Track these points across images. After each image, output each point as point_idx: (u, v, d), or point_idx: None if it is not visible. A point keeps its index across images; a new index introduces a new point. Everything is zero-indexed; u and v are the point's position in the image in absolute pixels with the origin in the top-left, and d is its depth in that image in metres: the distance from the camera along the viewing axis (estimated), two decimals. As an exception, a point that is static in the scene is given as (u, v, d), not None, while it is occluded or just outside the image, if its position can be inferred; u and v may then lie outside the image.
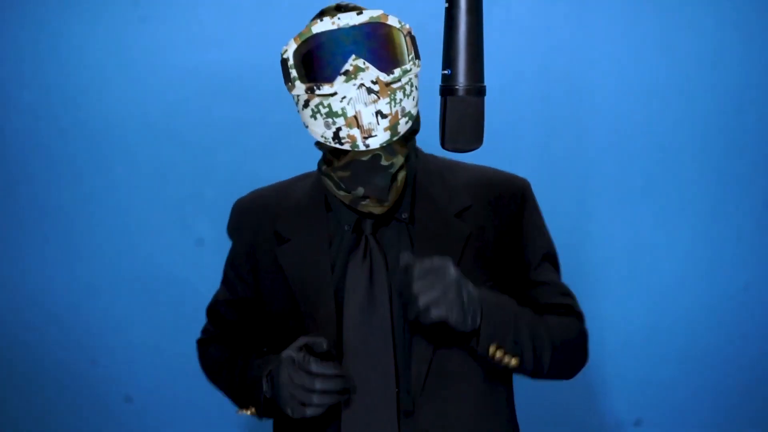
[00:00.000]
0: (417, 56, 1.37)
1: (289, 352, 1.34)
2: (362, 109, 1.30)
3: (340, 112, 1.32)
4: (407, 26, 1.38)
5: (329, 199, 1.47)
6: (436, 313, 1.26)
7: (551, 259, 1.56)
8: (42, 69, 2.53)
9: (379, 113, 1.31)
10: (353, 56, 1.31)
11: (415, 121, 1.40)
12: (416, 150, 1.49)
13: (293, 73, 1.35)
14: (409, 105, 1.34)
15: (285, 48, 1.37)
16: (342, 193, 1.41)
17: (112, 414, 2.67)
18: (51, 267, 2.62)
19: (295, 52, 1.35)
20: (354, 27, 1.33)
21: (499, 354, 1.35)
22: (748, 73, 2.47)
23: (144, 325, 2.61)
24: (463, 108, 1.31)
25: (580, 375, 2.58)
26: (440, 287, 1.26)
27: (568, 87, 2.47)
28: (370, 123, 1.31)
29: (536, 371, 1.45)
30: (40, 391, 2.68)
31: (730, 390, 2.61)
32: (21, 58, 2.53)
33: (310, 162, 1.56)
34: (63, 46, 2.51)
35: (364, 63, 1.31)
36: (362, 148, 1.33)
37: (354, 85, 1.30)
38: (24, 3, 2.50)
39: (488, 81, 1.33)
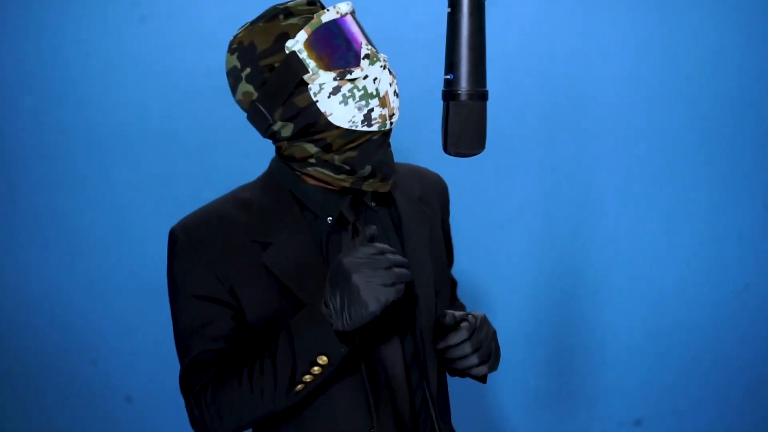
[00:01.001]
0: None
1: (340, 258, 1.30)
2: (387, 88, 1.38)
3: (374, 92, 1.37)
4: None
5: (300, 196, 1.46)
6: (482, 371, 1.44)
7: None
8: (42, 69, 2.52)
9: (395, 92, 1.40)
10: (364, 40, 1.39)
11: None
12: None
13: (310, 64, 1.36)
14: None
15: (291, 42, 1.37)
16: (342, 176, 1.42)
17: (112, 414, 2.67)
18: (51, 267, 2.62)
19: (308, 43, 1.36)
20: (352, 14, 1.41)
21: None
22: (748, 76, 2.47)
23: (144, 326, 2.61)
24: (465, 113, 1.31)
25: (581, 375, 2.61)
26: (487, 348, 1.44)
27: (569, 91, 2.47)
28: (393, 102, 1.39)
29: None
30: (40, 391, 2.68)
31: (730, 390, 2.62)
32: (20, 58, 2.52)
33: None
34: (63, 46, 2.51)
35: (373, 46, 1.39)
36: (389, 126, 1.40)
37: (380, 66, 1.37)
38: (24, 3, 2.49)
39: (490, 85, 1.32)
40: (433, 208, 1.60)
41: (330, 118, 1.37)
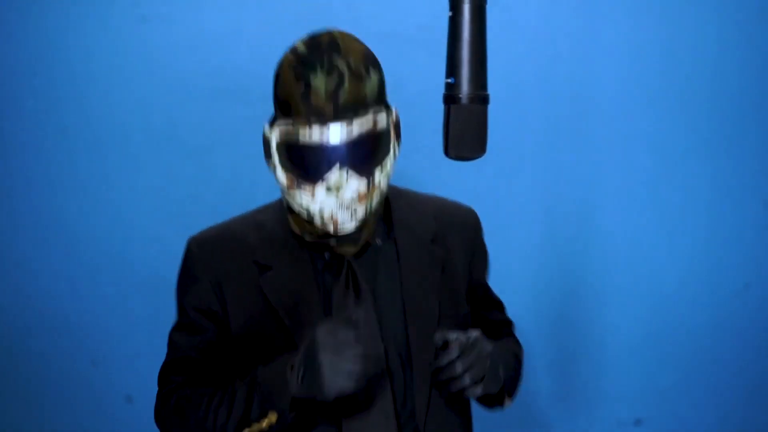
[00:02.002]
0: (398, 138, 1.43)
1: (314, 332, 1.31)
2: (339, 215, 1.37)
3: (317, 212, 1.37)
4: (395, 112, 1.42)
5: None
6: (477, 392, 1.38)
7: (487, 274, 1.70)
8: (42, 69, 2.52)
9: (354, 217, 1.38)
10: (338, 167, 1.33)
11: None
12: None
13: (275, 158, 1.39)
14: (381, 192, 1.41)
15: (267, 129, 1.39)
16: (313, 238, 1.46)
17: (113, 414, 2.67)
18: (51, 268, 2.61)
19: (279, 145, 1.37)
20: (348, 143, 1.33)
21: (509, 402, 1.57)
22: (748, 77, 2.47)
23: (144, 326, 2.61)
24: (466, 116, 1.31)
25: (581, 375, 2.61)
26: (482, 366, 1.37)
27: (570, 94, 2.47)
28: (344, 221, 1.37)
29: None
30: (40, 391, 2.68)
31: (730, 390, 2.62)
32: (21, 58, 2.52)
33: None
34: (63, 46, 2.50)
35: (347, 176, 1.34)
36: (333, 234, 1.40)
37: (334, 199, 1.35)
38: (24, 3, 2.49)
39: (491, 89, 1.32)
40: (450, 248, 1.56)
41: (286, 197, 1.42)
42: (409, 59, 2.24)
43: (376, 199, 1.39)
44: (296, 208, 1.41)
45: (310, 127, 1.32)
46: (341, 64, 1.33)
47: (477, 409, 1.67)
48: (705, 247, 2.56)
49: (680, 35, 2.45)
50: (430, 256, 1.52)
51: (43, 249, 2.61)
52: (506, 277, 2.56)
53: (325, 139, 1.31)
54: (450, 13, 1.30)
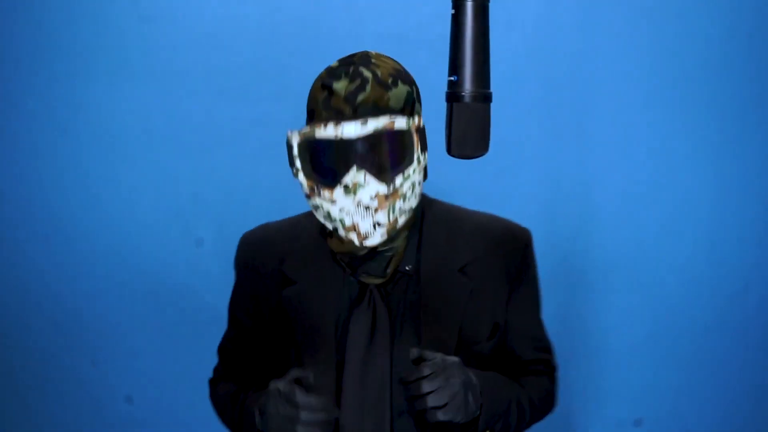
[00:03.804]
0: (424, 149, 1.38)
1: (276, 384, 1.35)
2: (359, 221, 1.34)
3: (338, 219, 1.36)
4: (416, 121, 1.36)
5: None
6: (443, 417, 1.31)
7: (538, 306, 1.62)
8: (42, 69, 2.52)
9: (376, 224, 1.35)
10: (354, 169, 1.32)
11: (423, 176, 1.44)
12: (424, 197, 1.53)
13: (297, 163, 1.38)
14: (409, 204, 1.38)
15: (290, 134, 1.38)
16: (343, 265, 1.47)
17: (112, 414, 2.67)
18: (51, 267, 2.61)
19: (300, 146, 1.36)
20: (357, 139, 1.31)
21: None
22: (748, 77, 2.47)
23: (144, 326, 2.61)
24: (469, 114, 1.30)
25: (581, 375, 2.60)
26: (448, 392, 1.31)
27: (573, 93, 2.46)
28: (366, 231, 1.35)
29: None
30: (40, 391, 2.68)
31: (731, 389, 2.62)
32: (21, 58, 2.52)
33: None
34: (63, 46, 2.50)
35: (364, 178, 1.32)
36: (359, 247, 1.40)
37: (352, 200, 1.33)
38: (24, 3, 2.48)
39: (494, 87, 1.32)
40: (483, 277, 1.49)
41: (312, 209, 1.42)
42: (410, 58, 2.23)
43: (399, 206, 1.36)
44: (321, 219, 1.40)
45: (326, 124, 1.32)
46: (366, 73, 1.34)
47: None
48: (705, 248, 2.56)
49: (681, 35, 2.45)
50: (456, 286, 1.47)
51: (42, 249, 2.61)
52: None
53: (339, 133, 1.30)
54: (452, 11, 1.30)
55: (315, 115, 1.35)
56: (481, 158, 1.34)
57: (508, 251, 1.52)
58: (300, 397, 1.31)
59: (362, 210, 1.34)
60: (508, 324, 1.54)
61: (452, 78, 1.30)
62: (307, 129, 1.34)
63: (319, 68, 1.43)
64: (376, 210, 1.34)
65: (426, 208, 1.52)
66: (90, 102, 2.52)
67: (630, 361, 2.60)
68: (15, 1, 2.50)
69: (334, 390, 1.43)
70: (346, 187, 1.33)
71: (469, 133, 1.31)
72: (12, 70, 2.53)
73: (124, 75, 2.50)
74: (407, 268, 1.47)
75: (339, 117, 1.32)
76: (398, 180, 1.34)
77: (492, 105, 1.32)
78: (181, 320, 2.60)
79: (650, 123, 2.48)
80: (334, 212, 1.35)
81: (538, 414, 1.62)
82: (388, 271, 1.45)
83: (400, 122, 1.33)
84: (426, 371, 1.30)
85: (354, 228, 1.35)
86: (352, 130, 1.30)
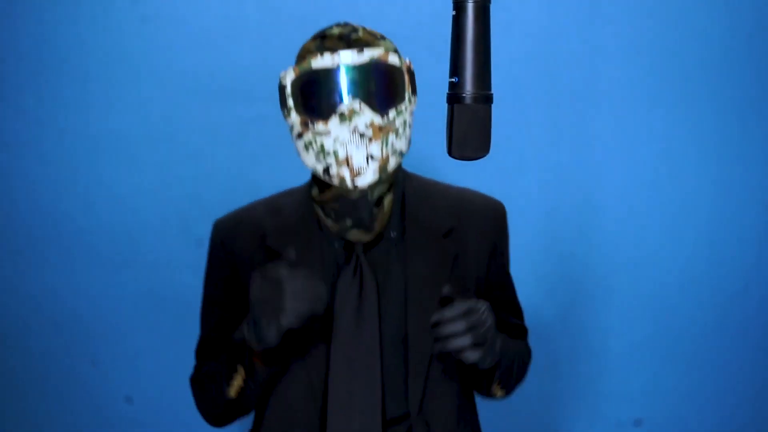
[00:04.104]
0: (414, 92, 1.42)
1: (255, 274, 1.34)
2: (354, 152, 1.35)
3: (332, 151, 1.36)
4: (408, 61, 1.42)
5: (319, 215, 1.50)
6: (474, 356, 1.31)
7: (510, 276, 1.67)
8: (42, 69, 2.52)
9: (370, 156, 1.35)
10: (350, 97, 1.34)
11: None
12: (403, 171, 1.55)
13: (290, 102, 1.39)
14: (400, 144, 1.40)
15: (283, 74, 1.39)
16: (330, 221, 1.47)
17: (112, 414, 2.67)
18: (51, 268, 2.61)
19: (293, 83, 1.38)
20: (354, 67, 1.35)
21: (500, 393, 1.54)
22: (749, 77, 2.47)
23: (144, 326, 2.61)
24: (470, 116, 1.30)
25: (581, 375, 2.61)
26: (483, 332, 1.31)
27: (574, 94, 2.47)
28: (360, 165, 1.35)
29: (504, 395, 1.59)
30: (40, 391, 2.68)
31: (731, 390, 2.62)
32: (20, 58, 2.52)
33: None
34: (63, 45, 2.50)
35: (360, 105, 1.34)
36: (350, 187, 1.38)
37: (348, 128, 1.33)
38: (24, 3, 2.48)
39: (495, 88, 1.32)
40: (466, 243, 1.52)
41: (301, 157, 1.42)
42: (410, 58, 2.24)
43: (392, 141, 1.37)
44: (311, 162, 1.40)
45: (322, 55, 1.35)
46: (357, 25, 1.42)
47: (480, 410, 1.66)
48: (705, 248, 2.56)
49: (683, 34, 2.45)
50: (441, 251, 1.49)
51: (42, 248, 2.61)
52: (507, 277, 2.57)
53: (336, 62, 1.33)
54: (453, 13, 1.30)
55: (309, 55, 1.39)
56: (481, 159, 1.34)
57: (488, 220, 1.57)
58: (283, 269, 1.30)
59: (357, 138, 1.34)
60: (487, 291, 1.58)
61: (453, 79, 1.30)
62: (302, 63, 1.37)
63: (319, 68, 1.43)
64: (370, 140, 1.35)
65: (407, 179, 1.54)
66: (90, 102, 2.52)
67: (630, 361, 2.60)
68: (15, 1, 2.50)
69: (324, 357, 1.43)
70: (341, 115, 1.34)
71: (470, 134, 1.31)
72: (12, 70, 2.53)
73: (124, 75, 2.49)
74: (393, 234, 1.48)
75: (333, 50, 1.36)
76: (391, 113, 1.37)
77: (493, 106, 1.32)
78: (181, 320, 2.59)
79: (651, 124, 2.49)
80: (328, 144, 1.35)
81: (522, 377, 1.65)
82: (375, 225, 1.45)
83: (393, 57, 1.38)
84: (462, 308, 1.30)
85: (347, 161, 1.35)
86: (348, 57, 1.34)
